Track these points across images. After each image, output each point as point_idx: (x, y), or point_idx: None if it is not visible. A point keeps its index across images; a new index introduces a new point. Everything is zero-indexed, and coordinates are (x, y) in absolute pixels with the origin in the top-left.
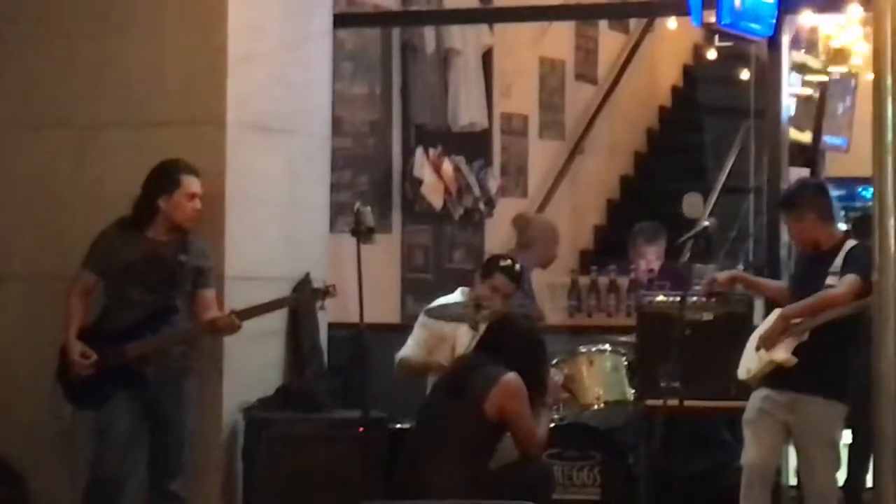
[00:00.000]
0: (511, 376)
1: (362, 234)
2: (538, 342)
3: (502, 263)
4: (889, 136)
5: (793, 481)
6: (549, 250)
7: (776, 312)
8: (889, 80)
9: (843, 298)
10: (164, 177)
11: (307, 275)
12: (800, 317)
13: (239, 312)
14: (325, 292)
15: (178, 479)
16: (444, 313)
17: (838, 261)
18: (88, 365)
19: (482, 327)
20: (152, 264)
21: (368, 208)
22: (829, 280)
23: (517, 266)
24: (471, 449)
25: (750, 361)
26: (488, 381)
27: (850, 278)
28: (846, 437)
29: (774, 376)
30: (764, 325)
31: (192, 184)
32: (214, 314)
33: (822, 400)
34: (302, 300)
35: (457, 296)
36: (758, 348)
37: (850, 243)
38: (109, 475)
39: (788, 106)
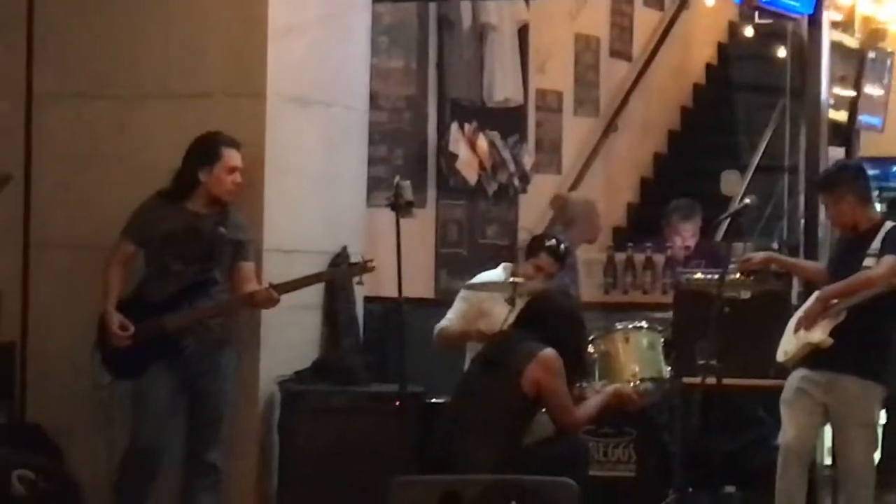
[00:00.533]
0: (549, 351)
1: (401, 207)
2: (577, 319)
3: (547, 243)
4: None
5: (828, 461)
6: (591, 227)
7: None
8: None
9: (882, 279)
10: (205, 149)
11: (344, 248)
12: (838, 297)
13: (277, 286)
14: (363, 267)
15: (214, 451)
16: (483, 288)
17: (876, 243)
18: (127, 336)
19: (520, 303)
20: (192, 236)
21: (408, 182)
22: (868, 262)
23: (562, 246)
24: (507, 423)
25: (787, 343)
26: (526, 356)
27: (889, 259)
28: (882, 418)
29: (812, 357)
30: (804, 307)
31: (232, 157)
32: (253, 287)
33: (859, 380)
34: (340, 274)
35: (499, 272)
36: (796, 330)
37: (889, 224)
38: (147, 445)
39: (827, 85)
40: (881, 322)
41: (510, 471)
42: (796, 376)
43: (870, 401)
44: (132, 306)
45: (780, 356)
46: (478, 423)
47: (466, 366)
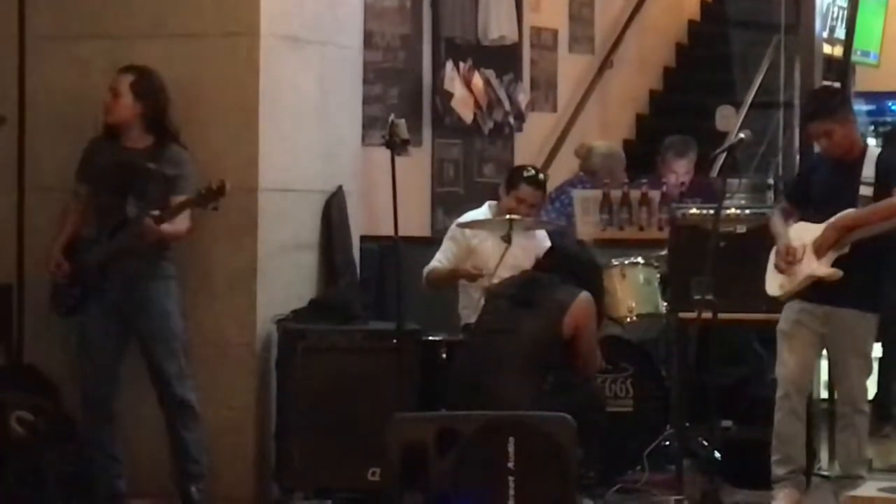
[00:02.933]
0: (587, 296)
1: (397, 146)
2: (597, 266)
3: (526, 174)
4: None
5: (823, 394)
6: (615, 174)
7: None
8: None
9: None
10: None
11: (339, 187)
12: (862, 226)
13: (156, 216)
14: (220, 189)
15: (176, 386)
16: (477, 226)
17: (868, 170)
18: (61, 274)
19: (516, 239)
20: (122, 171)
21: (403, 120)
22: (863, 190)
23: (541, 175)
24: (543, 361)
25: (781, 277)
26: (567, 298)
27: None
28: (877, 349)
29: (810, 289)
30: (785, 240)
31: (113, 80)
32: (184, 222)
33: (858, 312)
34: (203, 198)
35: (484, 210)
36: (787, 263)
37: (875, 150)
38: (87, 387)
39: (824, 19)
40: (879, 253)
41: (545, 408)
42: (794, 308)
43: (867, 332)
44: (76, 244)
45: (775, 290)
46: (515, 360)
47: (474, 302)
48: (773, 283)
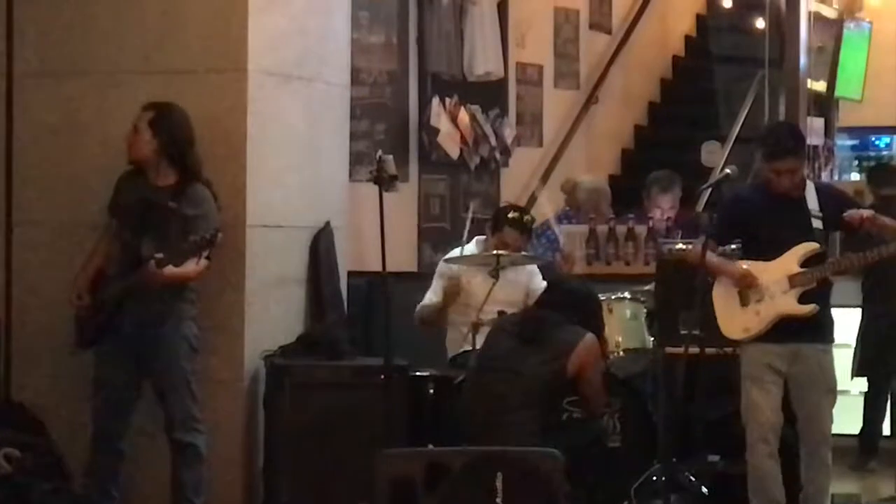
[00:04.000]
0: (593, 337)
1: (384, 181)
2: (599, 305)
3: (510, 216)
4: None
5: None
6: (599, 209)
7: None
8: None
9: None
10: None
11: (327, 223)
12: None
13: (159, 260)
14: (213, 239)
15: (180, 429)
16: (465, 262)
17: (812, 204)
18: (82, 306)
19: (504, 275)
20: (144, 209)
21: (390, 156)
22: (815, 223)
23: (526, 217)
24: (543, 400)
25: (744, 318)
26: (573, 338)
27: None
28: (862, 385)
29: (774, 329)
30: (739, 269)
31: (136, 117)
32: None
33: (822, 346)
34: (196, 246)
35: (472, 245)
36: (743, 284)
37: (811, 184)
38: (98, 423)
39: (806, 55)
40: (829, 285)
41: (551, 446)
42: (759, 350)
43: (830, 363)
44: (101, 278)
45: (737, 333)
46: (520, 399)
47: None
48: (734, 325)
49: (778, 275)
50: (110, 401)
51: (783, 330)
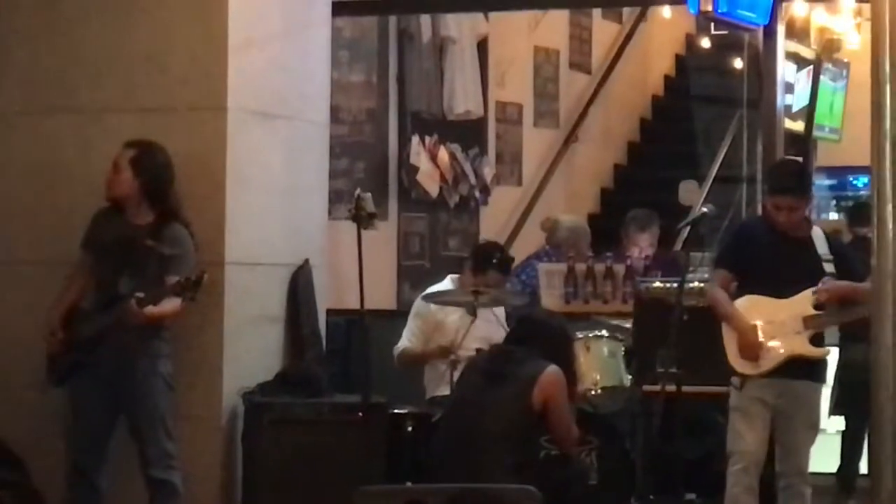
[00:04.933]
0: (555, 369)
1: (363, 219)
2: (568, 337)
3: (494, 259)
4: (888, 124)
5: None
6: (578, 249)
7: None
8: (887, 67)
9: None
10: None
11: (306, 261)
12: (856, 300)
13: (139, 299)
14: (198, 280)
15: (155, 466)
16: (442, 299)
17: (822, 248)
18: (55, 342)
19: (481, 313)
20: (122, 246)
21: (369, 194)
22: (827, 267)
23: (508, 258)
24: (514, 437)
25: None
26: (534, 372)
27: None
28: (839, 424)
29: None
30: (744, 323)
31: (116, 154)
32: (173, 303)
33: (811, 383)
34: (181, 287)
35: (447, 283)
36: (745, 350)
37: (818, 229)
38: (76, 459)
39: (783, 95)
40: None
41: (528, 483)
42: (753, 384)
43: (818, 402)
44: (75, 314)
45: (748, 369)
46: (491, 436)
47: (439, 374)
48: (745, 363)
49: (792, 314)
50: (86, 436)
51: (779, 366)
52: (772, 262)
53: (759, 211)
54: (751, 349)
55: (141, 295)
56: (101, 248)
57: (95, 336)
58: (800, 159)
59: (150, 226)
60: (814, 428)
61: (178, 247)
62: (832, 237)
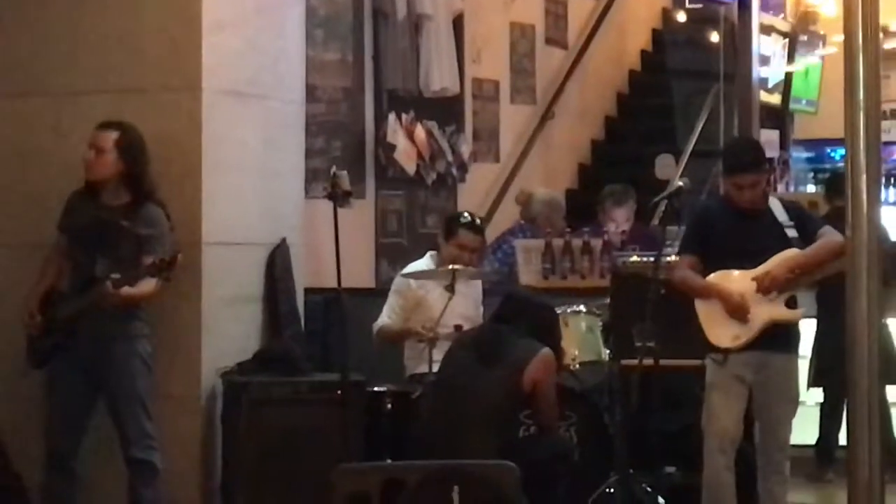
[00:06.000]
0: (548, 351)
1: (339, 197)
2: (555, 316)
3: (463, 220)
4: (860, 95)
5: None
6: (553, 222)
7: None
8: (860, 39)
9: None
10: None
11: (283, 240)
12: (809, 267)
13: (115, 280)
14: (172, 261)
15: (135, 447)
16: (422, 276)
17: (781, 216)
18: (34, 325)
19: (460, 289)
20: (96, 228)
21: (345, 172)
22: (789, 233)
23: (477, 220)
24: (502, 418)
25: (734, 327)
26: (527, 354)
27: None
28: (818, 396)
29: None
30: (724, 290)
31: (92, 135)
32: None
33: (788, 356)
34: (155, 268)
35: (426, 260)
36: (734, 313)
37: (775, 198)
38: (53, 442)
39: (759, 68)
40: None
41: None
42: (732, 361)
43: (795, 374)
44: (52, 297)
45: (728, 342)
46: (479, 416)
47: (418, 352)
48: (723, 334)
49: (744, 284)
50: (63, 419)
51: (758, 337)
52: (736, 239)
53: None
54: (739, 310)
55: (116, 276)
56: (76, 231)
57: (73, 318)
58: (751, 137)
59: (125, 207)
60: (794, 402)
61: (154, 227)
62: (787, 202)
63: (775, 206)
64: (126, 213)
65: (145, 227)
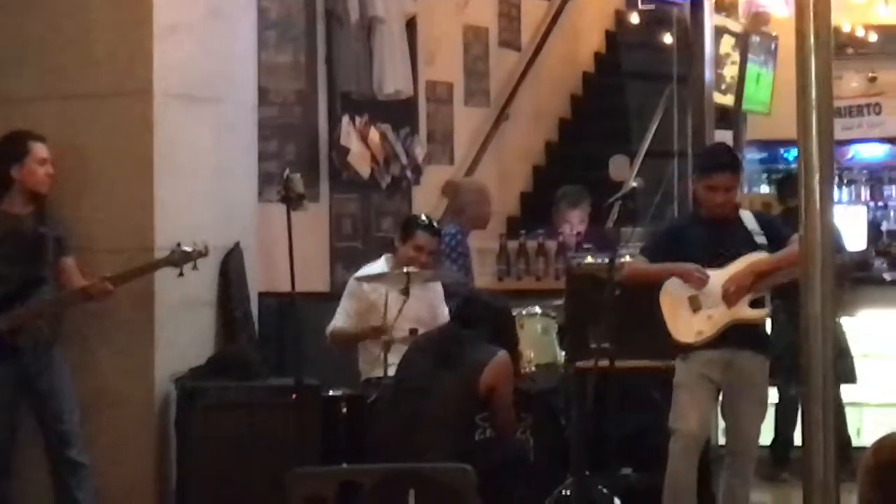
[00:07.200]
0: (504, 355)
1: (292, 200)
2: (511, 318)
3: (420, 221)
4: (813, 94)
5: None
6: (482, 212)
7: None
8: (812, 39)
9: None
10: (13, 146)
11: (237, 244)
12: (774, 270)
13: (111, 278)
14: (199, 253)
15: (72, 448)
16: (376, 280)
17: (751, 224)
18: None
19: (415, 292)
20: (13, 238)
21: (298, 175)
22: (758, 240)
23: (434, 222)
24: (458, 421)
25: (697, 322)
26: (484, 357)
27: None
28: (773, 396)
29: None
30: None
31: (40, 149)
32: (79, 281)
33: (754, 354)
34: (173, 261)
35: (381, 263)
36: (695, 281)
37: (744, 210)
38: None
39: (712, 69)
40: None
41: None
42: (698, 360)
43: (764, 375)
44: None
45: (690, 336)
46: (435, 419)
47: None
48: (687, 330)
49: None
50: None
51: (722, 337)
52: (704, 248)
53: (690, 185)
54: (699, 277)
55: (108, 275)
56: None
57: (16, 328)
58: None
59: (33, 213)
60: (762, 403)
61: (66, 228)
62: (758, 212)
63: (745, 216)
64: (38, 218)
65: (61, 230)
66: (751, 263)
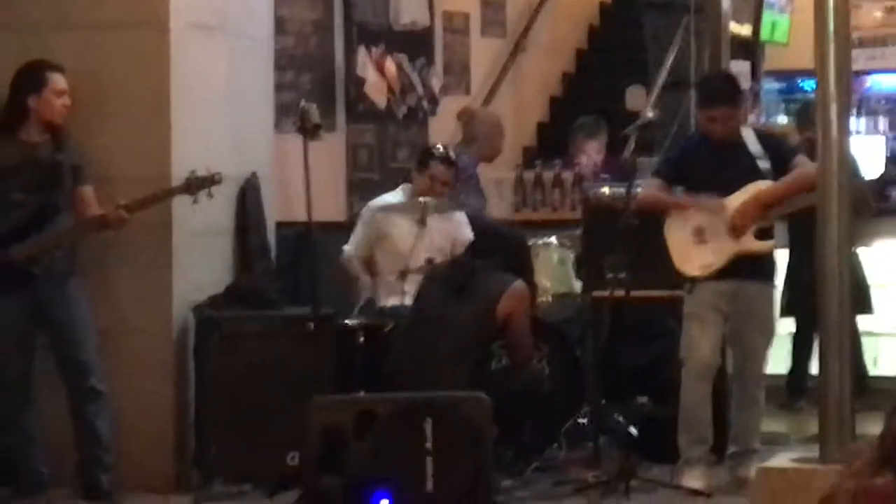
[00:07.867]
0: (521, 284)
1: (309, 130)
2: (526, 249)
3: (435, 152)
4: (831, 26)
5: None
6: (494, 143)
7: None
8: None
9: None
10: (31, 76)
11: (254, 174)
12: (782, 198)
13: (127, 205)
14: (212, 180)
15: (91, 376)
16: (391, 210)
17: (754, 147)
18: None
19: (431, 222)
20: (30, 166)
21: (314, 105)
22: (762, 164)
23: (451, 152)
24: (477, 350)
25: (703, 255)
26: (501, 286)
27: (805, 158)
28: (790, 326)
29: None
30: (689, 220)
31: (59, 81)
32: (95, 210)
33: (761, 284)
34: (189, 187)
35: (398, 193)
36: (700, 241)
37: (748, 130)
38: (5, 370)
39: None
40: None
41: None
42: (707, 290)
43: (771, 304)
44: None
45: (695, 269)
46: (451, 348)
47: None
48: (693, 263)
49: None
50: (17, 346)
51: (729, 267)
52: (709, 173)
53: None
54: (719, 209)
55: (124, 203)
56: (2, 171)
57: (32, 257)
58: (726, 71)
59: (50, 141)
60: (769, 332)
61: (83, 156)
62: (761, 133)
63: (749, 137)
64: (55, 146)
65: (79, 158)
66: (756, 194)
